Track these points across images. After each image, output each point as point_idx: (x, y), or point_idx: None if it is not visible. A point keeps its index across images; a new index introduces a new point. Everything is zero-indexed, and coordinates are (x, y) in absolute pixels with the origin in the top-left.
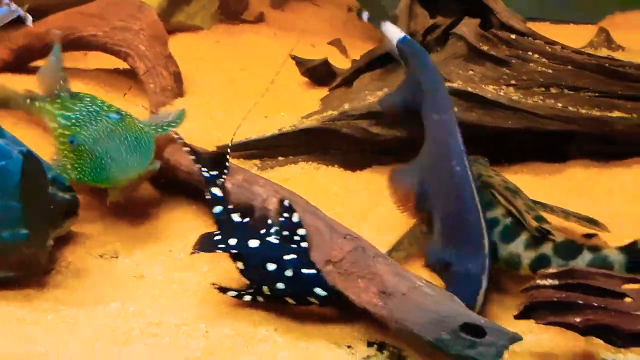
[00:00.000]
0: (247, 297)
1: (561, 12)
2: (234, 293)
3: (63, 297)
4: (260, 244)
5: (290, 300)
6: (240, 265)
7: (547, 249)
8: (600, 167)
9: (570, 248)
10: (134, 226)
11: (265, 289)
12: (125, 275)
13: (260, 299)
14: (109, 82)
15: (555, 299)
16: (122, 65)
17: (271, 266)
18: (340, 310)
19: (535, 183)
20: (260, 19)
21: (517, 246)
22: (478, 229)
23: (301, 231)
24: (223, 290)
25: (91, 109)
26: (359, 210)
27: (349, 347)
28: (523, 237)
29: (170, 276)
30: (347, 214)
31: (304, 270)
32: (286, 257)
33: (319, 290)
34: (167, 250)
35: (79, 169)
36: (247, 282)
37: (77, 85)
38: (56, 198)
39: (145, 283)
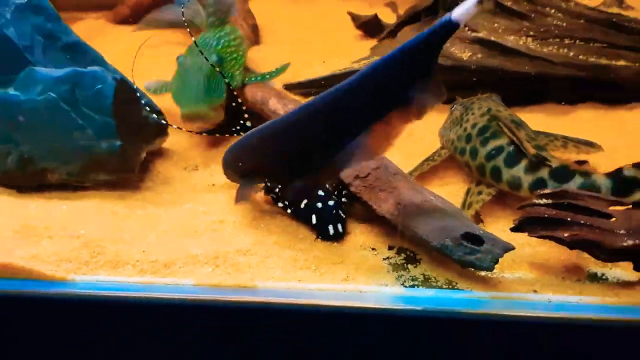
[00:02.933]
0: (280, 204)
1: None
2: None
3: (151, 199)
4: None
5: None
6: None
7: (544, 173)
8: (606, 109)
9: (564, 172)
10: (213, 147)
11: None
12: (200, 184)
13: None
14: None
15: (547, 215)
16: None
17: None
18: (365, 219)
19: (548, 122)
20: None
21: (519, 170)
22: None
23: None
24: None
25: (210, 41)
26: None
27: (372, 249)
28: (523, 163)
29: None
30: None
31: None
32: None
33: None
34: None
35: (173, 86)
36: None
37: (176, 37)
38: (148, 120)
39: (215, 189)
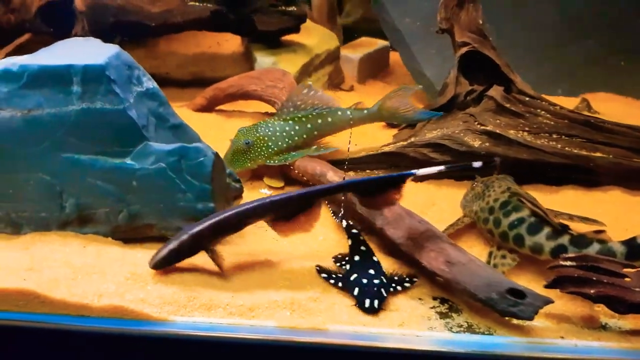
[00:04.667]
0: (332, 281)
1: (555, 87)
2: (325, 276)
3: (231, 250)
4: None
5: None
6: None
7: (564, 240)
8: (585, 190)
9: (583, 240)
10: None
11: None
12: (267, 237)
13: (340, 284)
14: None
15: (575, 275)
16: (270, 109)
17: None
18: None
19: (540, 198)
20: (351, 89)
21: (541, 237)
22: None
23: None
24: (320, 271)
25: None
26: (421, 204)
27: (420, 299)
28: (545, 230)
29: (298, 244)
30: (412, 206)
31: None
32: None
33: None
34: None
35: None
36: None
37: (243, 121)
38: (230, 186)
39: (279, 243)
